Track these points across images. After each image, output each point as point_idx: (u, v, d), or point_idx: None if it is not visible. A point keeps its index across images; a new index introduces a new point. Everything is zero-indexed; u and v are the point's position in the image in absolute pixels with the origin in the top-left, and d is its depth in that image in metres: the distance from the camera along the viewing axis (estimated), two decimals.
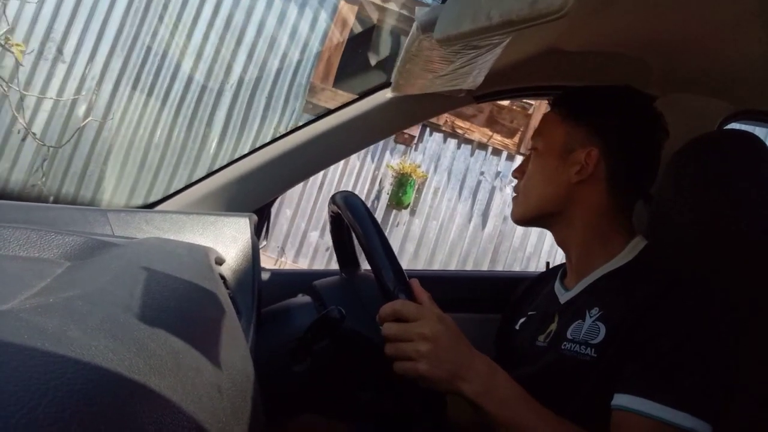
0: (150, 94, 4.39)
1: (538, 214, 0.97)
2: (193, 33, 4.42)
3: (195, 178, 1.27)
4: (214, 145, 4.36)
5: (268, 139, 1.29)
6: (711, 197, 0.94)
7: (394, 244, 4.86)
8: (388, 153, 4.91)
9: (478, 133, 4.91)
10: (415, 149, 4.93)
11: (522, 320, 1.02)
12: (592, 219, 0.93)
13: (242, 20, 4.49)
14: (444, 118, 4.86)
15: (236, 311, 0.66)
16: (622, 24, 0.98)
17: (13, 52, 3.77)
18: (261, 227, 1.28)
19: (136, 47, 4.37)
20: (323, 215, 4.74)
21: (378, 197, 4.89)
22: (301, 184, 4.73)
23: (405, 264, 4.75)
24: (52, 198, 4.18)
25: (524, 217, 0.99)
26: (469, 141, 4.95)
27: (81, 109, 4.27)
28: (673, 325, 0.76)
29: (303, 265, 4.75)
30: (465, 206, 4.93)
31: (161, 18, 4.38)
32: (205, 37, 4.44)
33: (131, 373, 0.32)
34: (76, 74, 4.32)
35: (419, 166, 4.81)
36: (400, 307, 0.75)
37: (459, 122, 4.89)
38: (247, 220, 0.92)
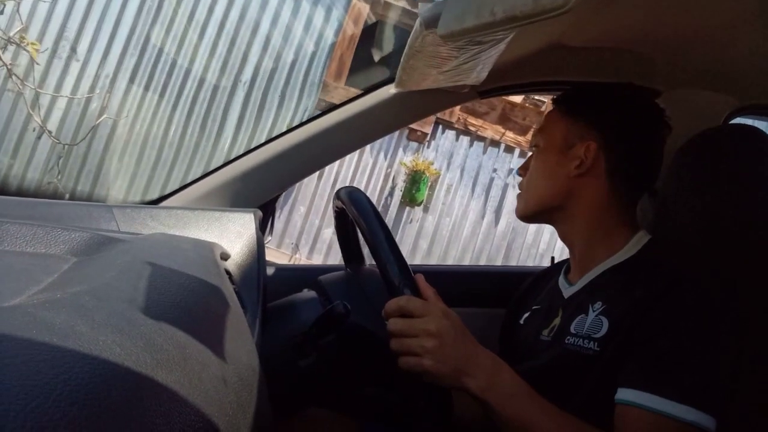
0: (163, 92, 4.39)
1: (540, 209, 0.98)
2: (205, 31, 4.41)
3: None
4: (227, 143, 4.36)
5: None
6: (716, 192, 0.93)
7: (408, 240, 4.88)
8: (401, 150, 4.92)
9: (491, 131, 4.91)
10: (428, 146, 4.93)
11: (526, 315, 1.03)
12: (594, 213, 0.93)
13: (255, 19, 4.48)
14: (457, 116, 4.86)
15: (242, 306, 0.66)
16: (627, 19, 0.97)
17: (28, 51, 3.78)
18: (266, 223, 1.28)
19: (149, 45, 4.37)
20: None
21: (391, 194, 4.90)
22: (314, 181, 4.79)
23: (419, 261, 4.76)
24: (67, 195, 4.19)
25: (527, 213, 1.00)
26: (481, 138, 4.95)
27: (95, 107, 4.28)
28: (676, 320, 0.76)
29: (317, 261, 4.76)
30: (478, 203, 4.93)
31: (174, 17, 4.37)
32: (218, 35, 4.43)
33: (138, 367, 0.32)
34: (90, 72, 4.32)
35: (432, 163, 4.80)
36: (406, 303, 0.75)
37: (472, 120, 4.89)
38: (252, 216, 0.92)
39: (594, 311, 0.85)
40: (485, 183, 4.95)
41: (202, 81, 4.42)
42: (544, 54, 1.15)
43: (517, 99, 4.85)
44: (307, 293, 0.99)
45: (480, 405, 0.75)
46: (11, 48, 3.88)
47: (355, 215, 0.84)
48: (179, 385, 0.34)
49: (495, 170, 4.95)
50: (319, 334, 0.86)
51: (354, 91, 4.53)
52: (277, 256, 4.71)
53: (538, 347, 0.93)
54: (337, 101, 4.41)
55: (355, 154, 4.89)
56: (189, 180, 1.26)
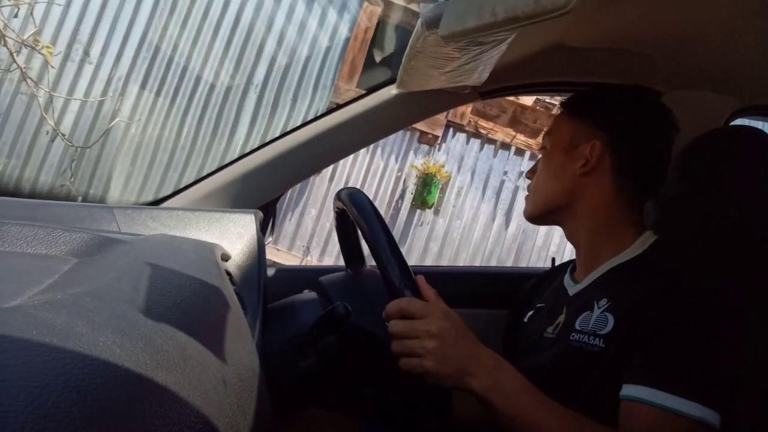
0: (176, 95, 4.39)
1: (547, 209, 0.99)
2: (218, 34, 4.42)
3: None
4: (239, 145, 4.36)
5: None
6: (718, 193, 0.93)
7: (419, 243, 4.90)
8: (412, 153, 4.92)
9: (502, 134, 4.92)
10: (439, 149, 4.94)
11: (530, 313, 1.03)
12: (600, 212, 0.93)
13: (267, 22, 4.48)
14: (468, 119, 4.88)
15: (242, 307, 0.66)
16: (628, 20, 0.97)
17: (43, 54, 3.79)
18: (266, 224, 1.28)
19: (161, 48, 4.37)
20: None
21: (402, 197, 4.91)
22: (326, 184, 4.80)
23: (429, 263, 4.76)
24: (80, 198, 4.19)
25: (534, 213, 1.01)
26: (492, 141, 4.96)
27: (108, 110, 4.29)
28: (682, 317, 0.76)
29: (328, 264, 4.77)
30: (488, 206, 4.94)
31: (186, 20, 4.37)
32: (230, 37, 4.43)
33: (138, 368, 0.32)
34: (103, 75, 4.32)
35: (443, 166, 4.81)
36: (407, 304, 0.75)
37: (482, 122, 4.90)
38: (253, 217, 0.92)
39: (599, 308, 0.85)
40: (496, 186, 4.96)
41: (214, 83, 4.43)
42: (546, 54, 1.15)
43: (528, 102, 4.85)
44: (308, 294, 0.99)
45: (483, 405, 0.75)
46: (24, 51, 3.88)
47: (355, 216, 0.84)
48: (179, 386, 0.34)
49: (506, 173, 4.96)
50: (319, 335, 0.86)
51: None
52: (288, 258, 4.72)
53: (542, 344, 0.93)
54: None
55: (366, 157, 4.90)
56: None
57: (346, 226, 1.00)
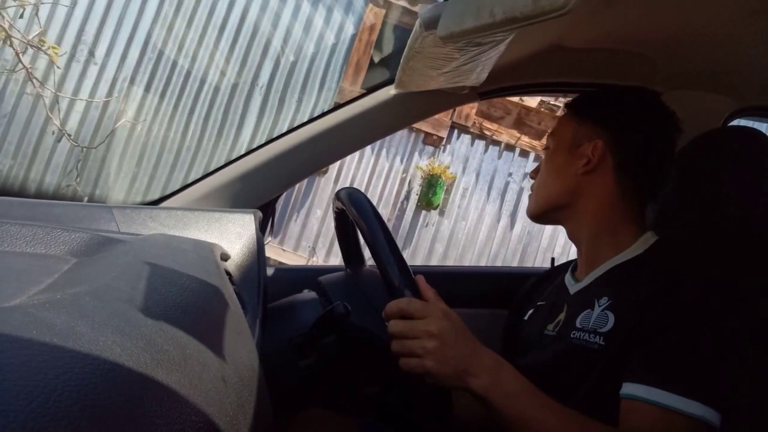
0: (180, 95, 4.39)
1: (548, 208, 1.00)
2: (222, 35, 4.41)
3: None
4: (244, 147, 4.36)
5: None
6: (717, 194, 0.94)
7: (424, 244, 4.90)
8: (417, 154, 4.93)
9: (506, 135, 4.92)
10: (444, 151, 4.94)
11: (531, 311, 1.03)
12: (601, 210, 0.94)
13: (272, 23, 4.48)
14: (472, 120, 4.88)
15: (242, 307, 0.66)
16: (626, 21, 0.97)
17: (49, 54, 3.79)
18: (266, 223, 1.28)
19: (166, 49, 4.37)
20: None
21: (407, 198, 4.91)
22: (331, 185, 4.80)
23: (435, 264, 4.77)
24: (86, 198, 4.19)
25: (536, 212, 1.02)
26: (497, 143, 4.96)
27: (113, 111, 4.28)
28: (682, 316, 0.76)
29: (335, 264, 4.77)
30: (493, 207, 4.94)
31: (191, 20, 4.37)
32: (235, 38, 4.43)
33: (139, 367, 0.32)
34: (108, 76, 4.32)
35: (448, 167, 4.82)
36: (406, 304, 0.76)
37: (487, 124, 4.91)
38: (252, 217, 0.92)
39: (600, 306, 0.85)
40: (500, 187, 4.97)
41: (218, 84, 4.42)
42: (544, 55, 1.15)
43: (533, 103, 4.86)
44: (308, 294, 0.99)
45: (483, 404, 0.75)
46: (30, 52, 3.88)
47: (355, 216, 0.84)
48: (179, 385, 0.34)
49: (510, 174, 4.97)
50: (319, 334, 0.86)
51: None
52: (294, 259, 4.73)
53: (542, 342, 0.94)
54: None
55: (371, 158, 4.91)
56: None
57: (345, 226, 1.00)
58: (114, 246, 0.59)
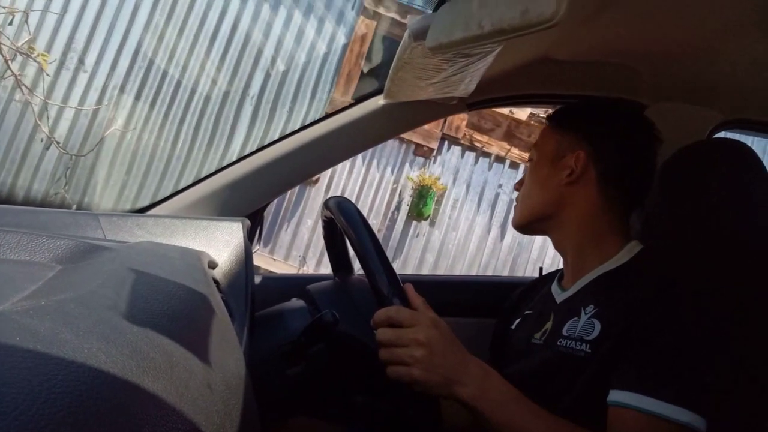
0: (171, 104, 4.37)
1: (533, 219, 1.00)
2: (213, 45, 4.41)
3: None
4: (234, 155, 4.33)
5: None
6: (702, 205, 0.95)
7: (414, 255, 4.92)
8: (407, 165, 4.94)
9: (497, 147, 4.97)
10: (434, 162, 4.97)
11: (518, 320, 1.04)
12: (586, 221, 0.95)
13: (264, 34, 4.48)
14: (463, 132, 4.92)
15: (229, 315, 0.66)
16: (613, 33, 0.99)
17: (38, 62, 3.76)
18: (254, 232, 1.28)
19: (157, 58, 4.36)
20: None
21: (398, 208, 4.93)
22: (322, 194, 4.78)
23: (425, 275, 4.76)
24: (74, 207, 4.15)
25: (521, 222, 1.02)
26: (487, 154, 5.00)
27: (102, 119, 4.25)
28: (669, 322, 0.77)
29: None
30: (484, 218, 4.97)
31: (182, 30, 4.36)
32: (225, 50, 4.43)
33: (124, 374, 0.32)
34: (98, 84, 4.30)
35: (439, 179, 4.84)
36: (395, 313, 0.76)
37: (477, 136, 4.95)
38: (240, 225, 0.92)
39: (586, 314, 0.85)
40: (491, 198, 5.00)
41: (209, 94, 4.41)
42: (532, 67, 1.16)
43: (522, 116, 4.90)
44: (296, 302, 0.99)
45: (470, 413, 0.75)
46: (19, 58, 3.85)
47: (343, 225, 0.84)
48: (165, 392, 0.34)
49: (500, 186, 5.00)
50: (307, 343, 0.86)
51: None
52: (284, 268, 4.71)
53: (530, 350, 0.94)
54: None
55: (362, 169, 4.91)
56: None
57: (334, 234, 1.00)
58: (100, 253, 0.59)
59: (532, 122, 4.92)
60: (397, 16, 4.71)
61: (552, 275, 1.07)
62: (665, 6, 0.85)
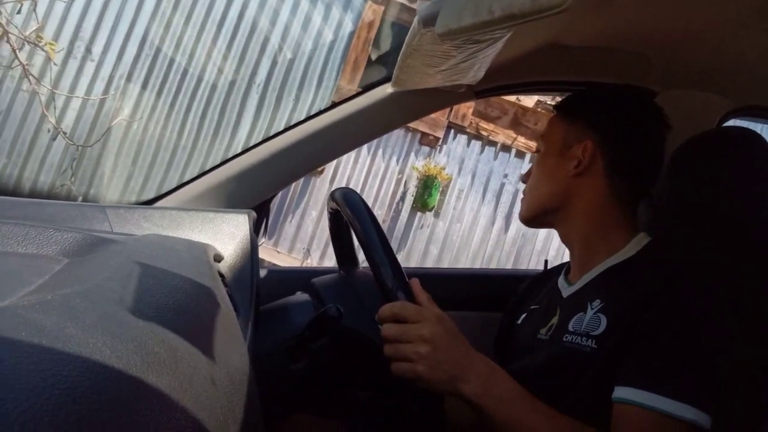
0: (177, 93, 4.37)
1: (541, 211, 0.99)
2: (219, 34, 4.39)
3: None
4: (240, 146, 4.34)
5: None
6: (711, 195, 0.94)
7: (419, 246, 4.89)
8: (413, 155, 4.91)
9: (503, 135, 4.91)
10: (440, 151, 4.93)
11: (524, 315, 1.03)
12: (593, 212, 0.93)
13: (269, 21, 4.47)
14: (469, 120, 4.87)
15: (234, 309, 0.66)
16: (623, 20, 0.97)
17: (46, 51, 3.76)
18: (260, 224, 1.27)
19: (163, 47, 4.35)
20: None
21: (403, 199, 4.90)
22: (326, 186, 4.78)
23: (429, 267, 4.75)
24: (80, 198, 4.16)
25: (528, 216, 1.01)
26: (493, 143, 4.95)
27: (109, 108, 4.26)
28: (674, 318, 0.76)
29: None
30: (489, 209, 4.93)
31: (189, 18, 4.35)
32: (231, 38, 4.41)
33: (129, 369, 0.32)
34: (105, 74, 4.30)
35: (444, 168, 4.81)
36: (400, 309, 0.75)
37: (483, 124, 4.90)
38: (246, 217, 0.91)
39: (592, 309, 0.85)
40: (496, 189, 4.96)
41: (216, 82, 4.40)
42: (541, 53, 1.15)
43: (529, 103, 4.85)
44: (301, 296, 0.99)
45: (475, 410, 0.75)
46: (27, 48, 3.86)
47: (349, 217, 0.83)
48: (169, 387, 0.34)
49: (506, 176, 4.96)
50: (311, 337, 0.86)
51: None
52: (288, 261, 4.71)
53: (535, 346, 0.93)
54: None
55: (367, 159, 4.89)
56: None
57: (339, 227, 0.99)
58: (106, 246, 0.59)
59: (539, 109, 4.88)
60: (405, 1, 4.67)
61: (558, 269, 1.06)
62: None
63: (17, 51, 3.67)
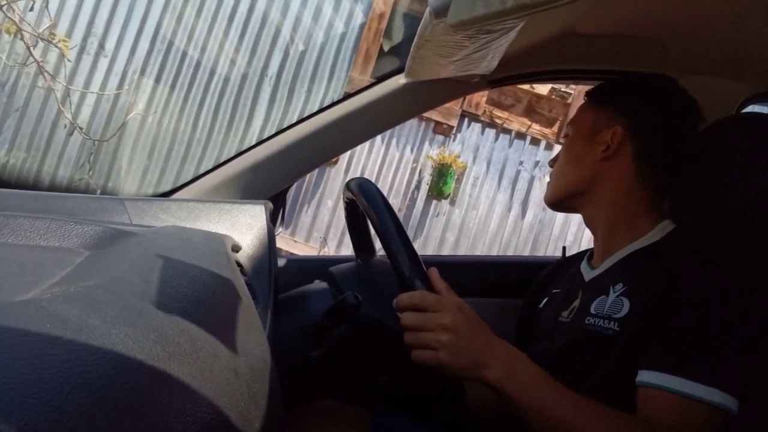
0: (191, 87, 4.38)
1: (566, 195, 0.99)
2: (231, 26, 4.39)
3: None
4: (254, 138, 4.35)
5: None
6: (731, 182, 0.92)
7: (435, 234, 4.89)
8: (427, 143, 4.90)
9: (517, 123, 4.87)
10: (454, 140, 4.91)
11: (546, 299, 1.03)
12: (619, 197, 0.93)
13: (281, 13, 4.46)
14: (483, 108, 4.85)
15: (253, 298, 0.67)
16: (638, 6, 0.96)
17: (59, 47, 3.79)
18: (276, 214, 1.28)
19: (176, 41, 4.37)
20: None
21: (418, 187, 4.89)
22: (341, 175, 4.80)
23: (446, 254, 4.75)
24: (99, 191, 4.22)
25: (553, 198, 1.02)
26: (507, 131, 4.92)
27: (124, 103, 4.29)
28: (699, 302, 0.75)
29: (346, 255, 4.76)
30: (504, 196, 4.91)
31: (200, 11, 4.36)
32: (243, 30, 4.41)
33: (151, 360, 0.32)
34: (118, 69, 4.32)
35: (459, 156, 4.79)
36: (420, 299, 0.75)
37: (497, 112, 4.86)
38: (263, 207, 0.92)
39: (615, 292, 0.84)
40: (512, 176, 4.93)
41: (228, 75, 4.40)
42: (556, 42, 1.14)
43: (543, 91, 4.81)
44: (318, 284, 1.00)
45: (498, 395, 0.75)
46: (40, 45, 3.89)
47: (365, 206, 0.84)
48: (191, 377, 0.35)
49: (521, 163, 4.92)
50: (330, 324, 0.86)
51: None
52: (305, 250, 4.73)
53: (557, 328, 0.93)
54: None
55: (382, 148, 4.89)
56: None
57: (355, 216, 1.00)
58: (126, 239, 0.60)
59: (553, 97, 4.83)
60: None
61: (581, 254, 1.06)
62: None
63: (31, 48, 3.70)
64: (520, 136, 4.93)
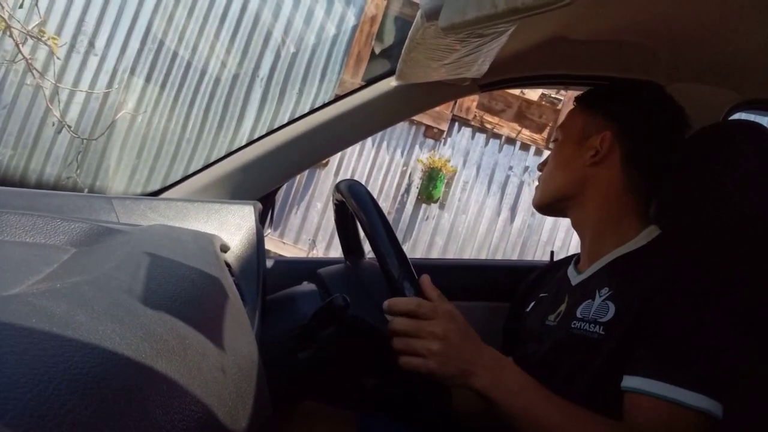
0: (181, 87, 4.37)
1: (555, 198, 1.00)
2: (222, 27, 4.38)
3: None
4: (245, 139, 4.33)
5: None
6: (718, 188, 0.93)
7: (424, 237, 4.90)
8: (417, 147, 4.91)
9: (507, 128, 4.91)
10: (444, 144, 4.93)
11: (533, 303, 1.04)
12: (607, 201, 0.94)
13: (272, 15, 4.46)
14: (473, 113, 4.87)
15: (241, 298, 0.66)
16: (629, 13, 0.97)
17: (48, 45, 3.76)
18: (265, 215, 1.28)
19: (166, 41, 4.35)
20: None
21: (408, 191, 4.91)
22: (331, 178, 4.79)
23: (434, 258, 4.76)
24: (86, 190, 4.18)
25: (542, 202, 1.02)
26: (498, 136, 4.95)
27: (113, 102, 4.26)
28: (685, 308, 0.76)
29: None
30: (494, 200, 4.93)
31: (191, 12, 4.34)
32: (235, 31, 4.40)
33: (138, 357, 0.32)
34: (108, 67, 4.30)
35: (449, 161, 4.81)
36: (417, 306, 0.75)
37: (488, 117, 4.89)
38: (252, 208, 0.92)
39: (601, 296, 0.85)
40: (501, 180, 4.96)
41: (219, 76, 4.39)
42: (546, 47, 1.14)
43: (534, 96, 4.85)
44: (307, 286, 0.99)
45: (486, 402, 0.75)
46: (29, 42, 3.86)
47: (354, 208, 0.84)
48: (179, 374, 0.34)
49: (511, 168, 4.95)
50: (318, 326, 0.86)
51: None
52: (294, 252, 4.73)
53: (543, 332, 0.94)
54: None
55: (372, 151, 4.90)
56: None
57: (345, 218, 1.00)
58: (113, 236, 0.59)
59: (543, 103, 4.87)
60: None
61: (568, 259, 1.07)
62: None
63: (20, 45, 3.67)
64: (510, 141, 4.96)
